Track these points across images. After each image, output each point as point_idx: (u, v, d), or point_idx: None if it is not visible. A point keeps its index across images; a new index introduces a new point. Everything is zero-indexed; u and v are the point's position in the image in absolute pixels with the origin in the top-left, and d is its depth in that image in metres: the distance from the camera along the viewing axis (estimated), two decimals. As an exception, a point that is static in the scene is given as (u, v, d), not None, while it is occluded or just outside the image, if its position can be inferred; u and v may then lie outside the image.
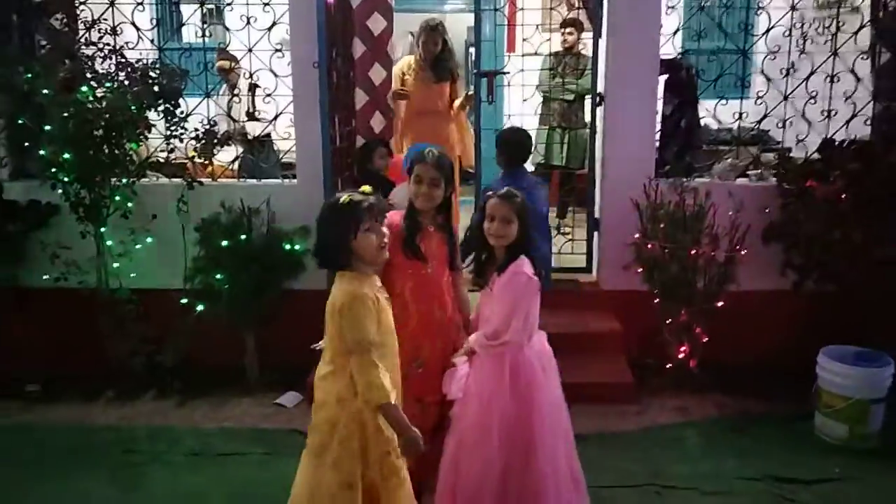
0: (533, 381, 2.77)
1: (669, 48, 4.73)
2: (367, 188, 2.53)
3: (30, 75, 4.19)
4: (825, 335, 4.01)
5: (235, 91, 5.77)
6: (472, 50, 8.47)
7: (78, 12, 4.57)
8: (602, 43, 4.76)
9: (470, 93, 5.17)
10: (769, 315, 4.40)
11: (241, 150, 5.22)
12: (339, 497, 2.42)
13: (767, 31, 4.63)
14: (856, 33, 4.51)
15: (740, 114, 4.69)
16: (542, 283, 2.87)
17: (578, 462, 2.91)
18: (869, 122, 4.53)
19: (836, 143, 4.44)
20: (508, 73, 5.08)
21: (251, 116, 5.66)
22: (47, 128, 4.15)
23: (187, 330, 4.35)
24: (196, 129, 4.51)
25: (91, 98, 4.17)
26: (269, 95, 4.64)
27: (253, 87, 5.50)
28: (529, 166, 6.03)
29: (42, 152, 4.20)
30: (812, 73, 4.57)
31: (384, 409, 2.39)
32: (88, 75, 4.26)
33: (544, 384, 2.79)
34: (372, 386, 2.35)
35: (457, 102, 5.29)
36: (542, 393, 2.77)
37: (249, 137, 5.34)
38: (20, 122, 4.37)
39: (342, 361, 2.43)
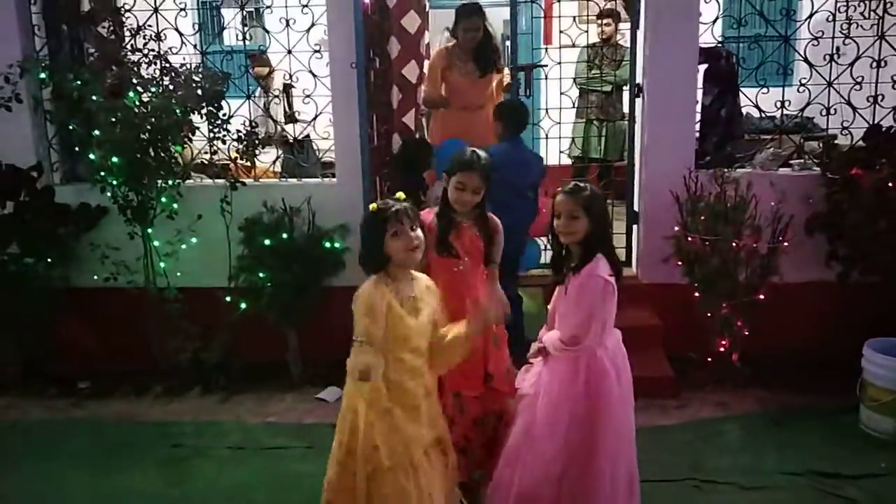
0: (603, 383, 2.69)
1: (709, 36, 4.66)
2: (401, 195, 2.58)
3: (79, 82, 4.34)
4: (871, 327, 3.92)
5: (272, 93, 5.85)
6: (507, 43, 8.47)
7: (124, 19, 4.71)
8: (640, 33, 4.71)
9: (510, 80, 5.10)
10: (813, 307, 4.33)
11: (281, 151, 5.30)
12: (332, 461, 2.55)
13: (810, 16, 4.51)
14: (903, 15, 4.39)
15: (782, 102, 4.58)
16: (518, 251, 2.77)
17: (636, 462, 2.88)
18: (918, 108, 4.42)
19: (883, 129, 4.33)
20: (546, 66, 5.03)
21: (290, 118, 5.74)
22: (96, 133, 4.29)
23: (232, 327, 4.47)
24: (238, 132, 4.61)
25: (137, 103, 4.29)
26: (308, 96, 4.71)
27: (288, 88, 5.56)
28: (566, 159, 6.04)
29: (91, 157, 4.34)
30: (857, 58, 4.45)
31: (368, 385, 2.40)
32: (135, 81, 4.38)
33: (615, 387, 2.71)
34: (354, 368, 2.39)
35: (503, 80, 5.09)
36: (611, 396, 2.70)
37: (290, 139, 5.41)
38: (71, 127, 4.54)
39: None
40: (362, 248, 2.58)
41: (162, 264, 4.51)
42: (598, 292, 2.64)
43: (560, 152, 5.56)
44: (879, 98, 4.45)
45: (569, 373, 2.70)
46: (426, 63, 5.06)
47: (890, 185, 4.04)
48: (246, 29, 4.97)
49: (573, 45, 5.30)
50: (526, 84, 4.83)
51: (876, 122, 4.41)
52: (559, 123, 5.09)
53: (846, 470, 3.43)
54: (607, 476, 2.67)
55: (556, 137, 5.11)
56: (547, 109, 4.87)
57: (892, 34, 4.41)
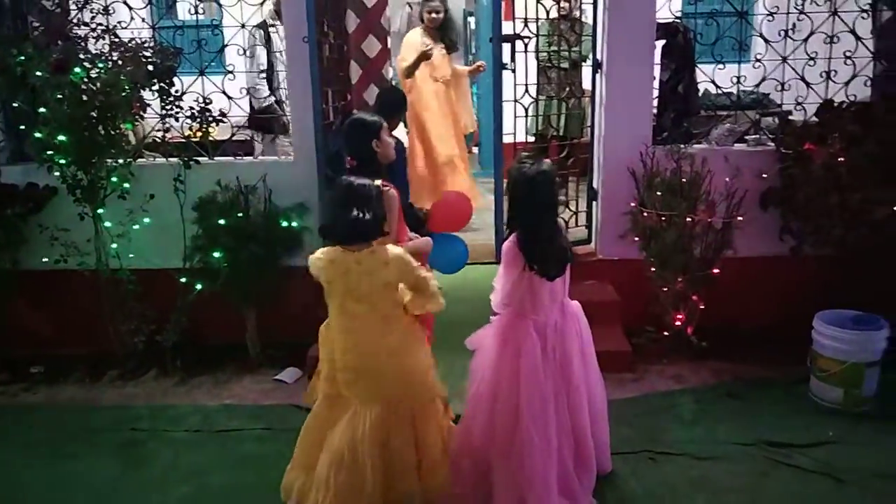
0: (523, 346, 2.86)
1: (666, 12, 4.65)
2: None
3: (23, 57, 4.18)
4: (824, 300, 4.00)
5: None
6: (470, 19, 8.40)
7: (70, -8, 4.55)
8: (599, 9, 4.68)
9: (479, 63, 5.88)
10: (767, 281, 4.40)
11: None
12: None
13: (766, -9, 4.54)
14: (856, -8, 4.42)
15: (738, 78, 4.61)
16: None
17: (591, 439, 3.07)
18: (869, 83, 4.47)
19: (836, 105, 4.37)
20: (529, 38, 4.90)
21: None
22: (42, 110, 4.15)
23: (187, 309, 4.40)
24: (191, 108, 4.48)
25: (85, 79, 4.15)
26: (262, 72, 4.62)
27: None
28: (526, 136, 5.99)
29: (38, 135, 4.20)
30: (811, 33, 4.49)
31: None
32: (82, 56, 4.23)
33: (535, 352, 2.86)
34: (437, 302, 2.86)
35: (466, 68, 5.88)
36: (532, 360, 2.85)
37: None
38: (15, 105, 4.39)
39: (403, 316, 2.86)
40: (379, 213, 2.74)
41: (114, 245, 4.40)
42: (504, 260, 2.89)
43: (538, 130, 5.64)
44: (832, 73, 4.49)
45: (493, 331, 2.98)
46: (389, 39, 5.05)
47: (841, 159, 4.10)
48: (199, 3, 4.83)
49: (548, 18, 5.20)
50: (511, 56, 4.78)
51: (828, 97, 4.46)
52: (536, 100, 5.06)
53: (797, 439, 3.51)
54: (535, 438, 2.81)
55: (534, 115, 5.09)
56: (527, 85, 4.79)
57: (844, 10, 4.45)
